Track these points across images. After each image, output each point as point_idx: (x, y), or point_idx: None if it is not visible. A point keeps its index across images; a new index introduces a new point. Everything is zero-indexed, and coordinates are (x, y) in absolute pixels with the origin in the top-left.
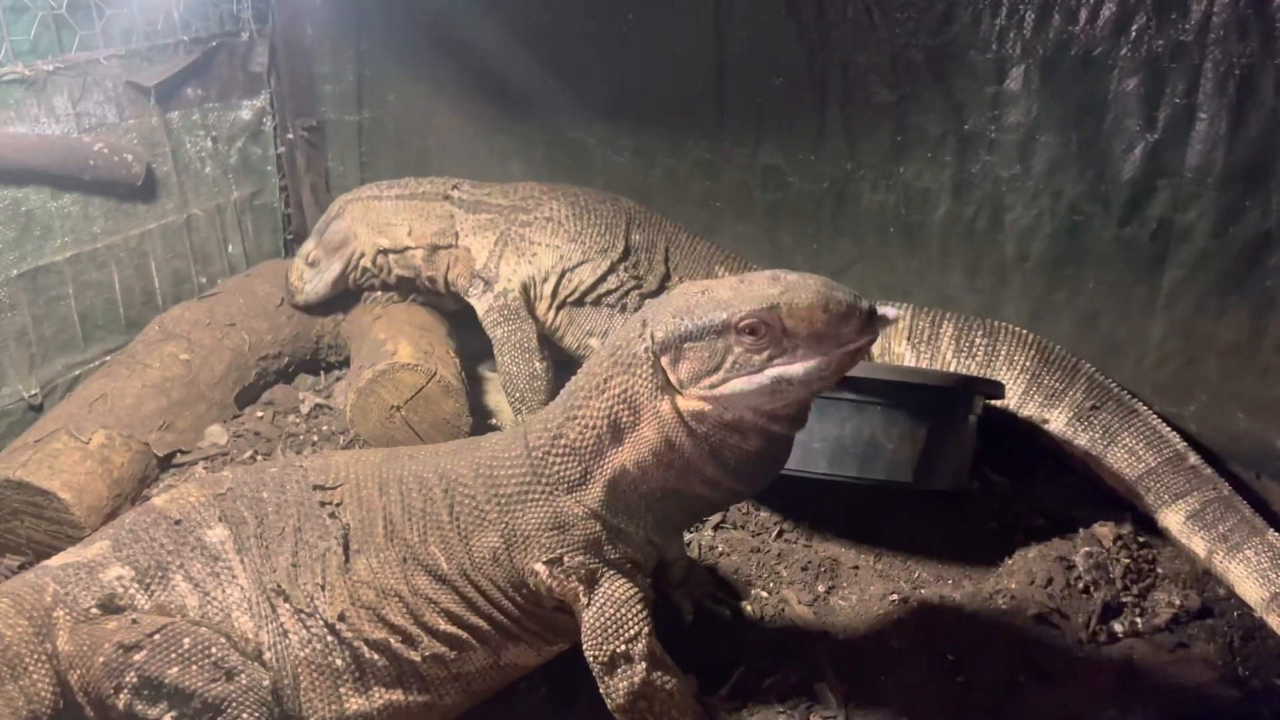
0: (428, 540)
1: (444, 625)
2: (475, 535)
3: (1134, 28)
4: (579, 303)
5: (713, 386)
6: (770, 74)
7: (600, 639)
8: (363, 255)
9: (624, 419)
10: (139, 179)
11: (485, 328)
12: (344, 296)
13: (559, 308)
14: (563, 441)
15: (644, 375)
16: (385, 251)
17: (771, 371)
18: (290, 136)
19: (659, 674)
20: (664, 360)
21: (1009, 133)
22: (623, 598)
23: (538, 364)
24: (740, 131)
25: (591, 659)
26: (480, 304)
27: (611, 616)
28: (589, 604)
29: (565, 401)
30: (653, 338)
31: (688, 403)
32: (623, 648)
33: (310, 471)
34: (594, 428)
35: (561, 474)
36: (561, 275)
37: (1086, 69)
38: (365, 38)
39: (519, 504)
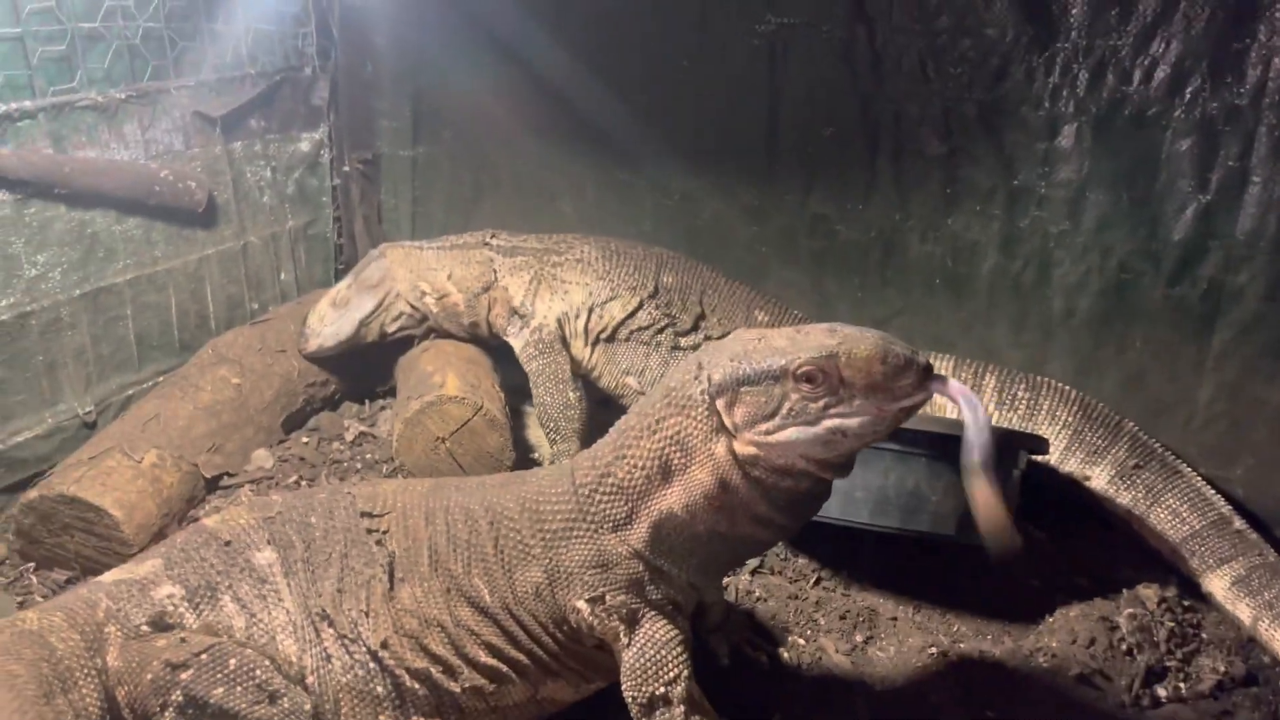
0: (472, 572)
1: (485, 658)
2: (519, 569)
3: (1188, 90)
4: (612, 339)
5: (768, 432)
6: (822, 123)
7: (639, 680)
8: (399, 295)
9: (675, 460)
10: (201, 206)
11: (522, 362)
12: (350, 358)
13: (593, 344)
14: (610, 480)
15: (698, 417)
16: (425, 295)
17: (828, 423)
18: (346, 169)
19: (697, 718)
20: (719, 403)
21: (1059, 189)
22: (663, 639)
23: (571, 394)
24: (790, 179)
25: (630, 700)
26: (517, 340)
27: (651, 658)
28: (629, 644)
29: (615, 440)
30: (709, 380)
31: (742, 446)
32: (662, 690)
33: (358, 499)
34: (643, 468)
35: (607, 512)
36: (591, 311)
37: (1139, 129)
38: (423, 75)
39: (563, 540)
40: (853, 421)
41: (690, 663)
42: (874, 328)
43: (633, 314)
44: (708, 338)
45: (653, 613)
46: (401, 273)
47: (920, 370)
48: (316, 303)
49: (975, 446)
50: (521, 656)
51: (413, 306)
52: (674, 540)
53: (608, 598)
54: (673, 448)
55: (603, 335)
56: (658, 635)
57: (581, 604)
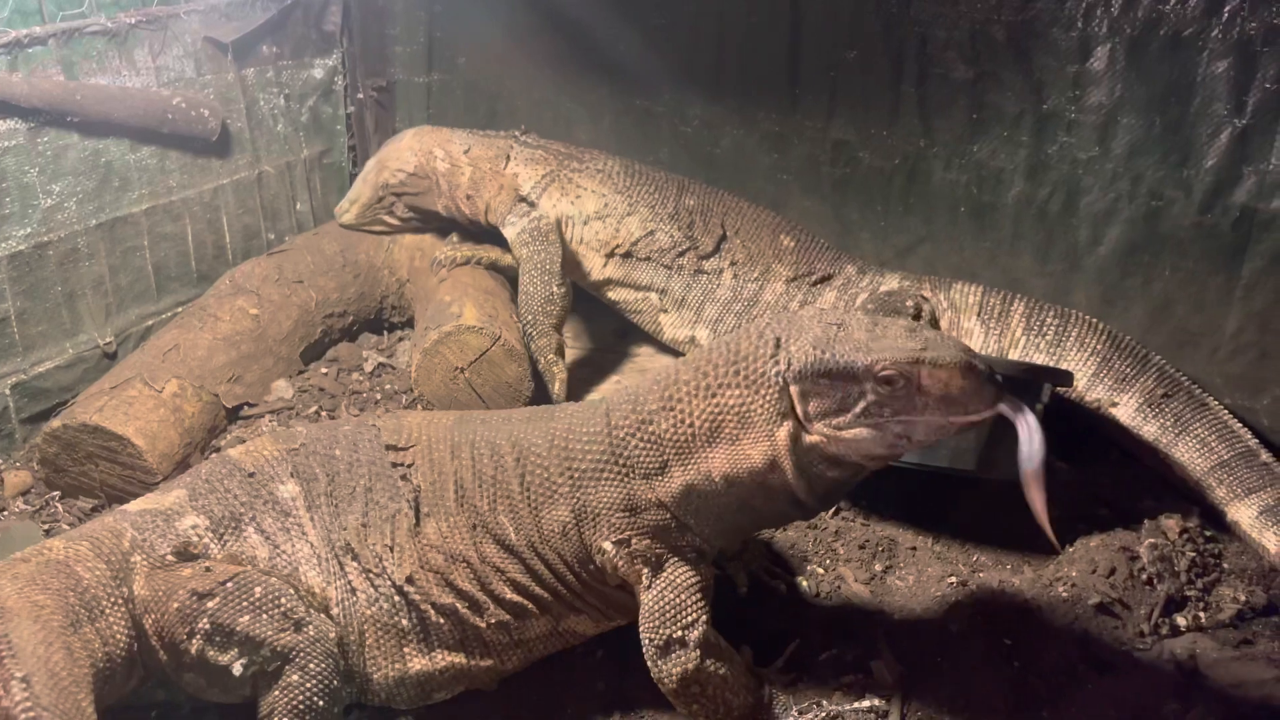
0: (497, 509)
1: (509, 594)
2: (545, 508)
3: (1227, 9)
4: (628, 255)
5: (839, 427)
6: (845, 47)
7: (657, 623)
8: (403, 149)
9: (728, 430)
10: (214, 134)
11: (514, 249)
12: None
13: (608, 258)
14: (651, 429)
15: (768, 398)
16: (436, 159)
17: (896, 427)
18: (360, 96)
19: (712, 660)
20: (794, 389)
21: (1089, 114)
22: (683, 584)
23: (555, 288)
24: (812, 105)
25: (647, 642)
26: (513, 229)
27: (671, 601)
28: (649, 587)
29: (661, 390)
30: (789, 364)
31: (810, 436)
32: (679, 633)
33: (383, 431)
34: (689, 426)
35: (640, 459)
36: (603, 221)
37: (1175, 50)
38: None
39: (592, 480)
40: (919, 428)
41: (709, 608)
42: (896, 256)
43: (651, 234)
44: (733, 262)
45: (675, 558)
46: (410, 138)
47: (995, 389)
48: None
49: (1028, 458)
50: (545, 593)
51: (414, 168)
52: (702, 503)
53: (633, 541)
54: (729, 417)
55: (618, 250)
56: (678, 580)
57: (608, 545)
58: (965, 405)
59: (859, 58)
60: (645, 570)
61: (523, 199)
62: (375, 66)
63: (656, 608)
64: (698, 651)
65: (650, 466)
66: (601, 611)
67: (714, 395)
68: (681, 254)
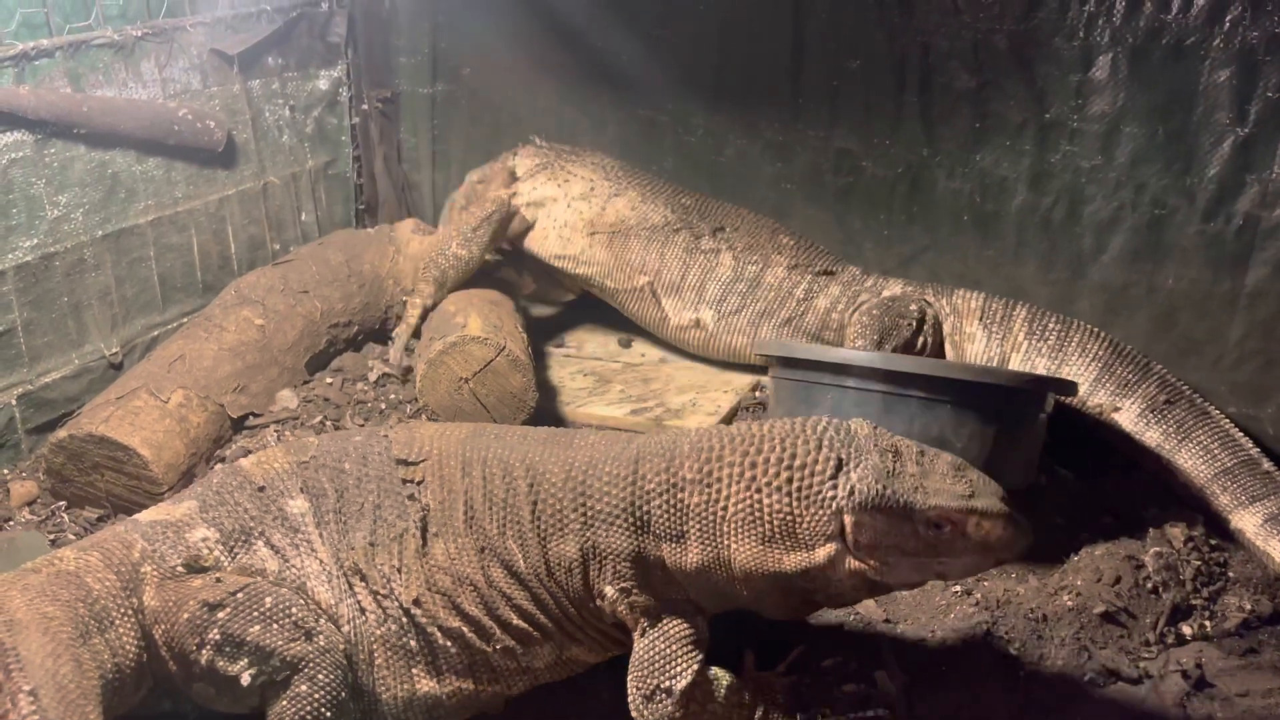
0: (506, 534)
1: (516, 620)
2: (554, 540)
3: (1228, 18)
4: (615, 233)
5: (884, 559)
6: (848, 56)
7: (646, 671)
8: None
9: (766, 530)
10: (220, 145)
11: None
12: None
13: (591, 235)
14: (680, 495)
15: (819, 517)
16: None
17: (938, 567)
18: (365, 107)
19: (697, 706)
20: (848, 518)
21: (1092, 122)
22: (677, 636)
23: (475, 250)
24: (815, 114)
25: (633, 689)
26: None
27: (661, 652)
28: (644, 634)
29: (700, 462)
30: (850, 492)
31: (854, 563)
32: (666, 683)
33: (394, 444)
34: (721, 509)
35: (660, 521)
36: (588, 202)
37: (1177, 59)
38: (442, 11)
39: (605, 524)
40: (955, 569)
41: (700, 659)
42: (900, 265)
43: (644, 217)
44: (731, 247)
45: (672, 612)
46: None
47: (1026, 537)
48: None
49: None
50: (549, 623)
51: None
52: (708, 583)
53: (634, 592)
54: (770, 520)
55: (600, 229)
56: (672, 631)
57: (610, 589)
58: (1000, 552)
59: (862, 67)
60: (644, 621)
61: (513, 176)
62: (380, 78)
63: (647, 656)
64: (683, 700)
65: (667, 531)
66: (600, 644)
67: (759, 492)
68: (675, 231)
